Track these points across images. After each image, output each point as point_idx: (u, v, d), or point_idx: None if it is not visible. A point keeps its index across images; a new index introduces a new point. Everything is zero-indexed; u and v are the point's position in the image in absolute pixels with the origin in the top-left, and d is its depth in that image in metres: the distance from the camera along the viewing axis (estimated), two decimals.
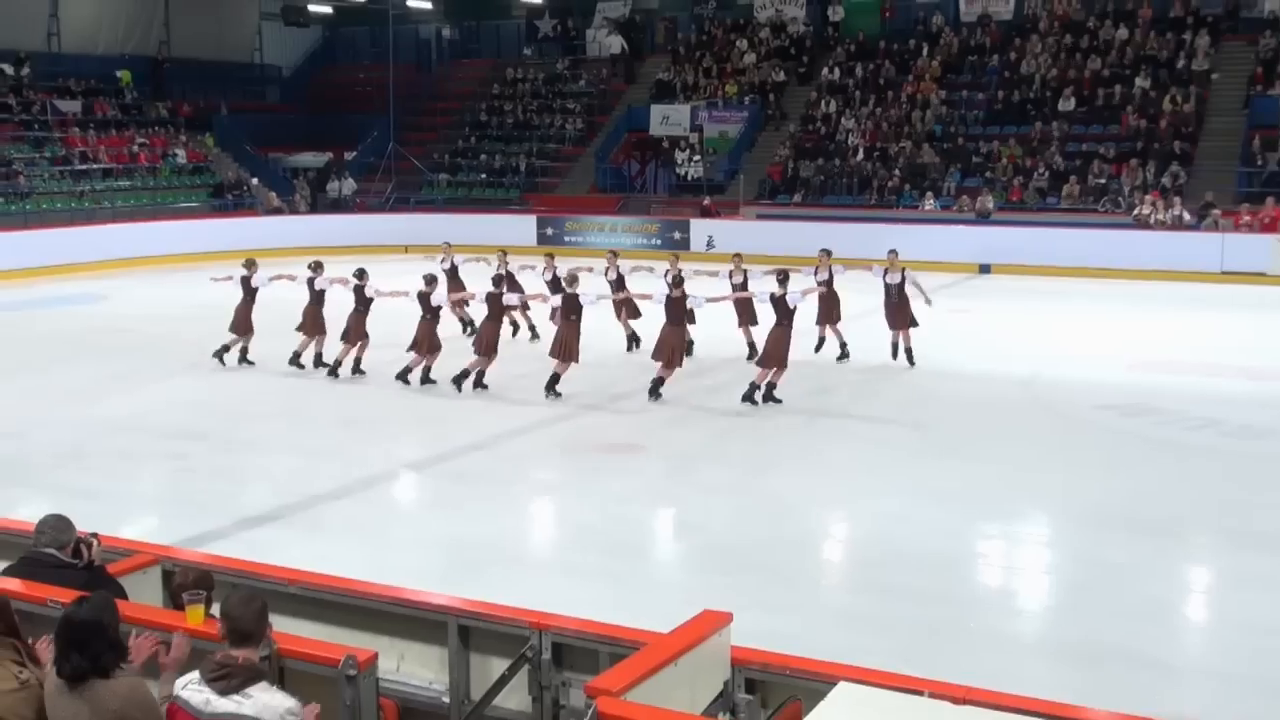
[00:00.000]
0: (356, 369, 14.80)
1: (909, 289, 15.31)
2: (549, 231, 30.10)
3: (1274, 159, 25.91)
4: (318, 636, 4.86)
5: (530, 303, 15.37)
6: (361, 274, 14.77)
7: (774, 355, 13.16)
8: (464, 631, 4.88)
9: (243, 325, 15.29)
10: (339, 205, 33.42)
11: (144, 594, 5.30)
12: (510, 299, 14.38)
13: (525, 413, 13.15)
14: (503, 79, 37.84)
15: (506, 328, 16.42)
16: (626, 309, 16.04)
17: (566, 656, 4.70)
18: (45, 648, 4.30)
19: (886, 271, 15.41)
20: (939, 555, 8.72)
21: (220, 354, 15.33)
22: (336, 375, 14.72)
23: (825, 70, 32.90)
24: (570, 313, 13.57)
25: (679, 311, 13.57)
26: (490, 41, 40.73)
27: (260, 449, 12.10)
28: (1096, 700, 4.58)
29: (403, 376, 14.16)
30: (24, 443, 11.96)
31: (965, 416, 13.08)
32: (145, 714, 4.05)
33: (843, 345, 15.78)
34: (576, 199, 32.72)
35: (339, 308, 14.92)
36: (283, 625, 4.67)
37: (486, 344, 13.90)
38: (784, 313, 13.18)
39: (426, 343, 14.11)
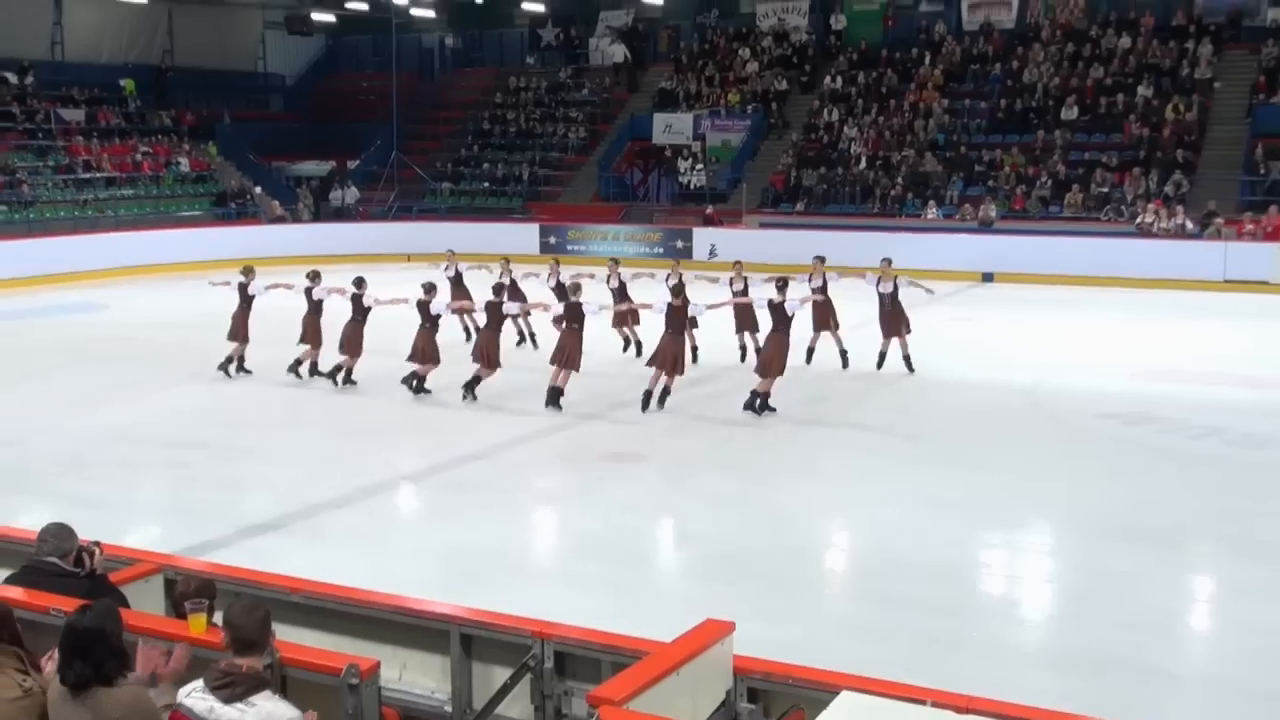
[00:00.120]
0: (348, 379, 14.72)
1: (909, 291, 15.35)
2: (551, 240, 30.12)
3: (1277, 168, 25.91)
4: (320, 645, 4.86)
5: (532, 310, 15.36)
6: (360, 282, 14.74)
7: (774, 364, 13.15)
8: (466, 640, 4.88)
9: (240, 333, 15.30)
10: (342, 214, 33.46)
11: (146, 603, 5.31)
12: (510, 308, 14.38)
13: (525, 422, 13.15)
14: (505, 87, 37.91)
15: (512, 336, 16.44)
16: (629, 317, 16.08)
17: (569, 666, 4.70)
18: (48, 663, 4.31)
19: (880, 280, 15.44)
20: (941, 564, 8.71)
21: (225, 366, 15.35)
22: (337, 384, 14.71)
23: (828, 79, 32.94)
24: (573, 321, 13.57)
25: (680, 320, 13.56)
26: (493, 50, 40.83)
27: (262, 458, 12.10)
28: (1099, 709, 4.57)
29: (408, 383, 14.16)
30: (26, 451, 11.97)
31: (967, 425, 13.07)
32: None
33: (843, 353, 15.78)
34: (579, 207, 32.75)
35: (339, 317, 14.91)
36: (285, 634, 4.67)
37: (486, 353, 13.87)
38: (782, 320, 13.19)
39: (425, 352, 14.09)
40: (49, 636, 4.40)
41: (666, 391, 13.40)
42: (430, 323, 14.13)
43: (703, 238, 28.80)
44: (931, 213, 28.16)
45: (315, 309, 15.04)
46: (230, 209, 31.97)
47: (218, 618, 4.57)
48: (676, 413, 13.35)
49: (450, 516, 10.30)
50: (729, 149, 32.60)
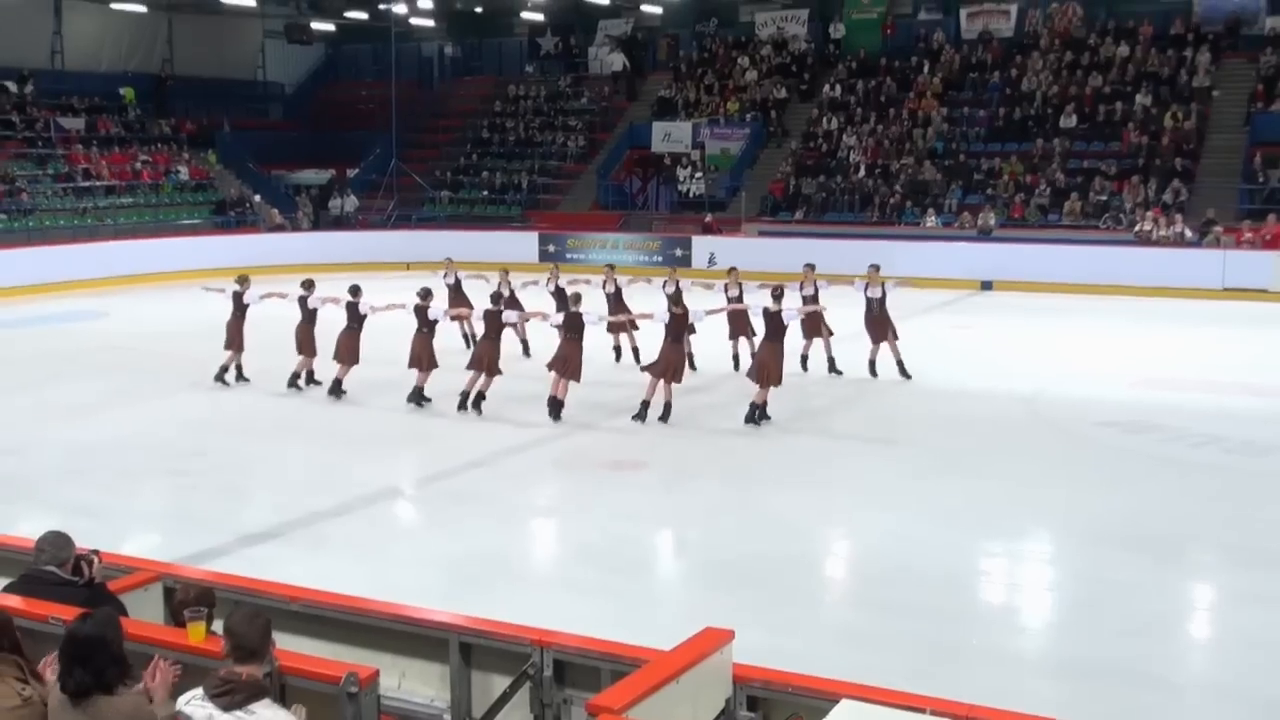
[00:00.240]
0: (336, 389, 14.56)
1: (904, 297, 15.37)
2: (551, 248, 30.13)
3: (1275, 176, 25.93)
4: (319, 654, 4.85)
5: (530, 319, 15.34)
6: (355, 290, 14.69)
7: (771, 373, 13.13)
8: (465, 649, 4.88)
9: (235, 341, 15.28)
10: (341, 222, 33.48)
11: (145, 611, 5.30)
12: (509, 316, 14.36)
13: (524, 431, 13.13)
14: (505, 96, 37.95)
15: (514, 345, 16.39)
16: (627, 325, 16.08)
17: (568, 674, 4.70)
18: (48, 668, 4.30)
19: (868, 285, 15.47)
20: (941, 572, 8.70)
21: (221, 375, 15.33)
22: (338, 396, 14.62)
23: (827, 87, 32.98)
24: (572, 331, 13.53)
25: (680, 328, 13.55)
26: (492, 59, 40.88)
27: (261, 466, 12.10)
28: (1099, 717, 4.59)
29: (414, 400, 14.08)
30: (24, 459, 11.96)
31: (967, 433, 13.06)
32: None
33: (830, 360, 15.78)
34: (578, 216, 32.78)
35: (334, 326, 14.81)
36: (284, 642, 4.65)
37: (485, 362, 13.82)
38: (776, 328, 13.18)
39: (423, 359, 14.06)
40: (48, 645, 4.39)
41: (668, 406, 13.34)
42: (427, 328, 14.09)
43: (702, 246, 28.79)
44: (930, 221, 28.17)
45: (309, 318, 15.00)
46: (230, 218, 31.98)
47: (217, 626, 4.57)
48: (675, 420, 13.33)
49: (449, 525, 10.29)
50: (728, 157, 32.64)
